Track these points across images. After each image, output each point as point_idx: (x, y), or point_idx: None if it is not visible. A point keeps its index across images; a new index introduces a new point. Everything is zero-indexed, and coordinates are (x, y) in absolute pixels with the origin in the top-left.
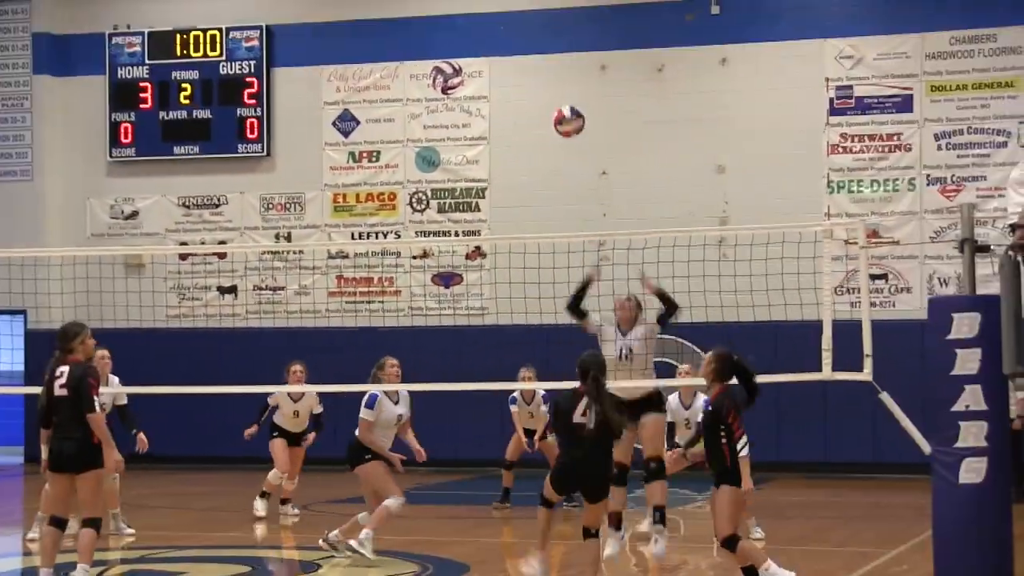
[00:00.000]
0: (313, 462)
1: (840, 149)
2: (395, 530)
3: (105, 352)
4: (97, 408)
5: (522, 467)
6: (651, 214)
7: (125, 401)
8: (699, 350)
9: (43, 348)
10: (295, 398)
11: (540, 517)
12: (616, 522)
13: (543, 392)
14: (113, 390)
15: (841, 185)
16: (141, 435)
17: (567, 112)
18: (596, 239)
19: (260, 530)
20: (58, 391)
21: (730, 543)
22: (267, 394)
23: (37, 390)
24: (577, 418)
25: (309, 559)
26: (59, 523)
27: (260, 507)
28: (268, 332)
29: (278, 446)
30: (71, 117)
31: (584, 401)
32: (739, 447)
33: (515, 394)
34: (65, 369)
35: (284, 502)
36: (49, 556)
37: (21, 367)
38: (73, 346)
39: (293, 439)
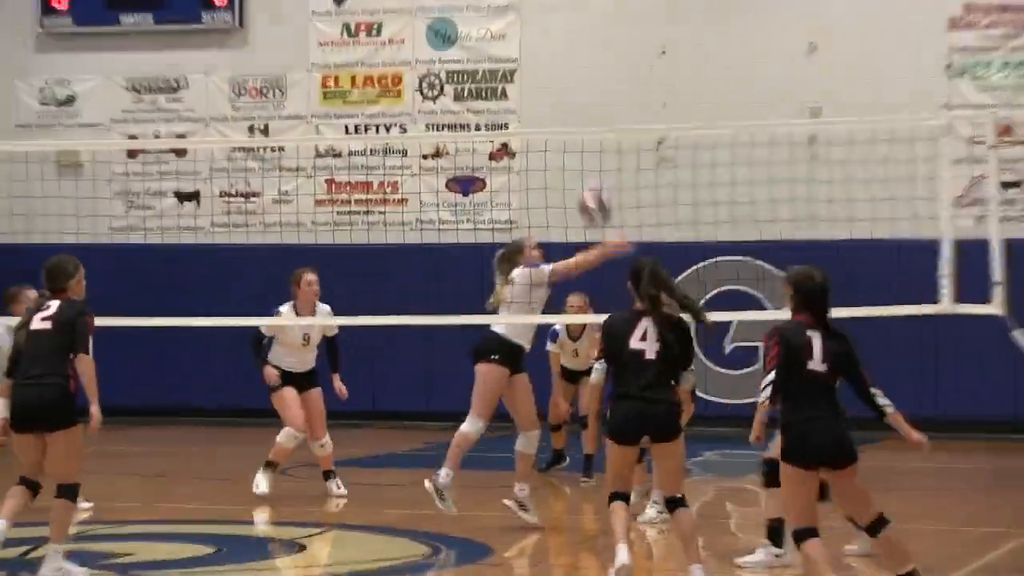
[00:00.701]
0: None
1: (964, 24)
2: (403, 503)
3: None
4: (90, 351)
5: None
6: (723, 103)
7: None
8: (779, 271)
9: None
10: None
11: (616, 514)
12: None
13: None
14: None
15: (964, 69)
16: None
17: (591, 202)
18: (654, 134)
19: (226, 500)
20: (38, 323)
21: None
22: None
23: None
24: (635, 344)
25: (289, 536)
26: (32, 485)
27: (262, 483)
28: (239, 249)
29: (287, 396)
30: None
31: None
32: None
33: (557, 327)
34: (55, 303)
35: (327, 476)
36: (9, 510)
37: None
38: (68, 286)
39: (303, 381)
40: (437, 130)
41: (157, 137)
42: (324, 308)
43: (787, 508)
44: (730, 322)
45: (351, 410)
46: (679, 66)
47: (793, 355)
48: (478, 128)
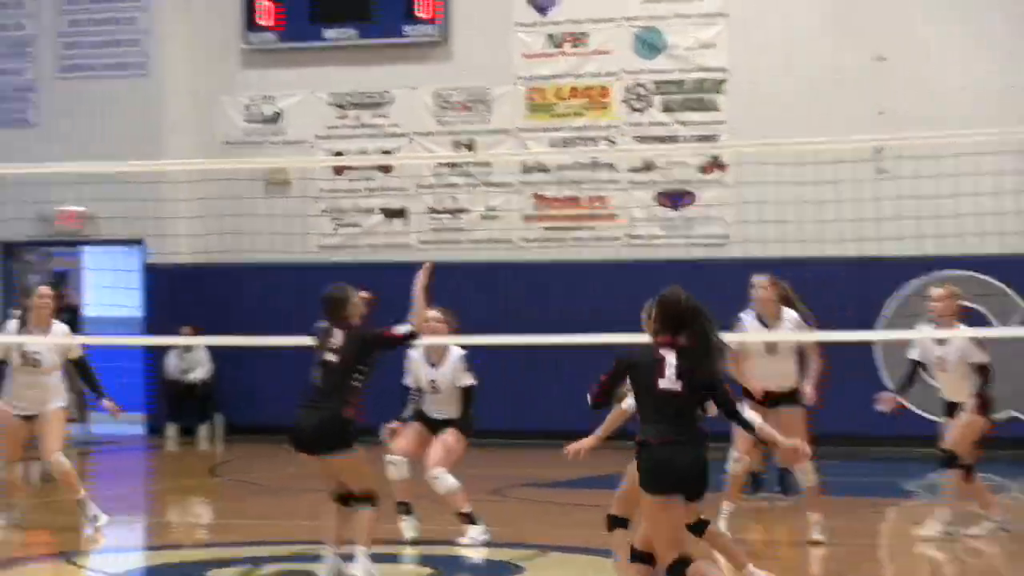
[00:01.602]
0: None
1: None
2: None
3: None
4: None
5: None
6: (944, 112)
7: (78, 355)
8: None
9: (165, 287)
10: (433, 360)
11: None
12: None
13: None
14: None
15: None
16: (107, 402)
17: None
18: (870, 144)
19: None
20: (328, 355)
21: None
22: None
23: (162, 341)
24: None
25: (508, 558)
26: (343, 499)
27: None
28: (446, 267)
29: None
30: None
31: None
32: None
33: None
34: (340, 334)
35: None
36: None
37: (139, 312)
38: (346, 313)
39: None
40: (646, 143)
41: (363, 153)
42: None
43: (653, 538)
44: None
45: (570, 430)
46: (897, 73)
47: (642, 376)
48: (688, 140)
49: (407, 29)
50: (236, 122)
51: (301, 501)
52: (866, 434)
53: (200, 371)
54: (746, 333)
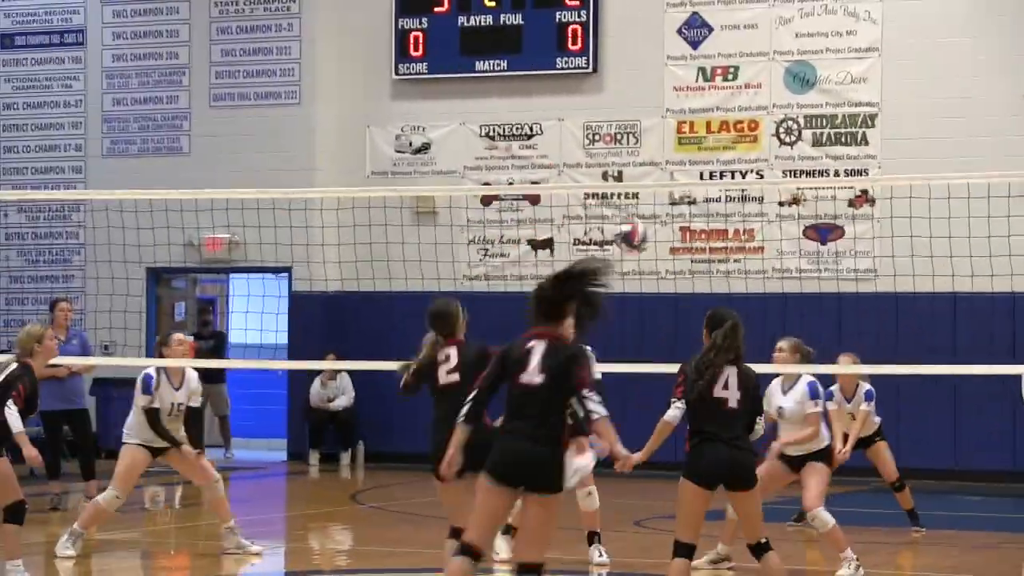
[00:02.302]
0: None
1: None
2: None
3: None
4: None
5: None
6: None
7: (198, 404)
8: None
9: (311, 315)
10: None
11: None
12: None
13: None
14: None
15: None
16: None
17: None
18: (1022, 180)
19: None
20: (446, 378)
21: None
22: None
23: (307, 365)
24: (718, 392)
25: None
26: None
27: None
28: None
29: None
30: (349, 24)
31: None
32: None
33: (832, 387)
34: (452, 351)
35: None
36: None
37: (284, 339)
38: (456, 328)
39: None
40: (795, 176)
41: (511, 184)
42: None
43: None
44: None
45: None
46: None
47: (507, 368)
48: (837, 174)
49: (558, 61)
50: (386, 152)
51: (440, 528)
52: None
53: (343, 399)
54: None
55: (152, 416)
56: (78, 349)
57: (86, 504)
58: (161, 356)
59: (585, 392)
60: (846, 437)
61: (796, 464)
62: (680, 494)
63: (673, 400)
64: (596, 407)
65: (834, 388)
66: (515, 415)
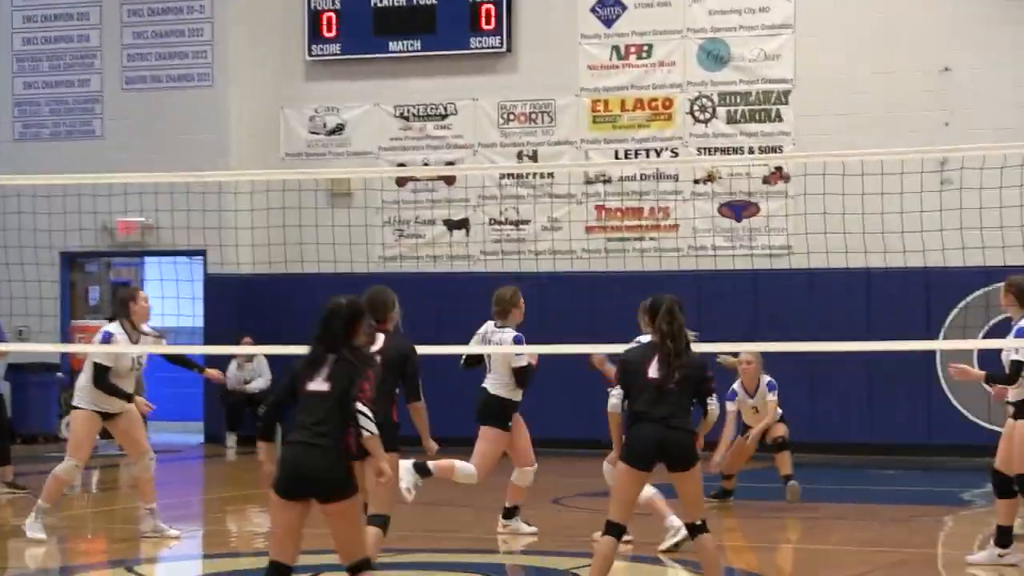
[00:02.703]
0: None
1: None
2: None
3: None
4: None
5: None
6: (1009, 122)
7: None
8: None
9: (226, 298)
10: None
11: (602, 549)
12: None
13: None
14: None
15: None
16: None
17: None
18: (935, 156)
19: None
20: None
21: None
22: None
23: (223, 350)
24: (653, 373)
25: (562, 567)
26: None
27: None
28: (508, 278)
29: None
30: (260, 5)
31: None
32: None
33: (735, 385)
34: (380, 338)
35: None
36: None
37: (200, 322)
38: (386, 315)
39: None
40: (709, 154)
41: (426, 165)
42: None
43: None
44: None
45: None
46: (962, 84)
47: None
48: (751, 151)
49: (471, 41)
50: (300, 133)
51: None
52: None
53: (260, 381)
54: None
55: (100, 372)
56: None
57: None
58: (127, 311)
59: (359, 407)
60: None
61: None
62: (616, 475)
63: (610, 390)
64: (367, 425)
65: (735, 386)
66: (299, 422)
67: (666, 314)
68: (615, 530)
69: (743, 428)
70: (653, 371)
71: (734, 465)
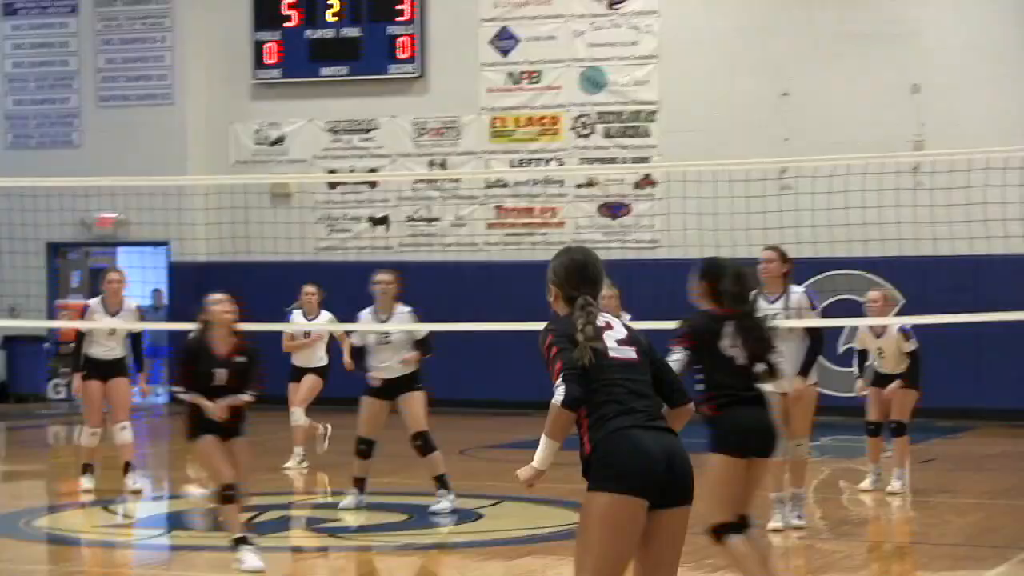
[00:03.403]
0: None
1: None
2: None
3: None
4: None
5: None
6: (838, 138)
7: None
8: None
9: (187, 281)
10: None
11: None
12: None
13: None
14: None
15: None
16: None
17: None
18: (777, 166)
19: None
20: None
21: None
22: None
23: (185, 326)
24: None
25: (470, 506)
26: None
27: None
28: (422, 266)
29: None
30: (213, 37)
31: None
32: None
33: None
34: None
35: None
36: None
37: (165, 301)
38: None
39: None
40: (590, 163)
41: (352, 171)
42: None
43: None
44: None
45: (520, 399)
46: (798, 106)
47: None
48: (624, 161)
49: (390, 67)
50: (247, 144)
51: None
52: None
53: None
54: None
55: (79, 339)
56: None
57: None
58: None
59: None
60: None
61: None
62: (719, 467)
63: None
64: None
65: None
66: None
67: (735, 280)
68: (736, 528)
69: None
70: (730, 344)
71: None
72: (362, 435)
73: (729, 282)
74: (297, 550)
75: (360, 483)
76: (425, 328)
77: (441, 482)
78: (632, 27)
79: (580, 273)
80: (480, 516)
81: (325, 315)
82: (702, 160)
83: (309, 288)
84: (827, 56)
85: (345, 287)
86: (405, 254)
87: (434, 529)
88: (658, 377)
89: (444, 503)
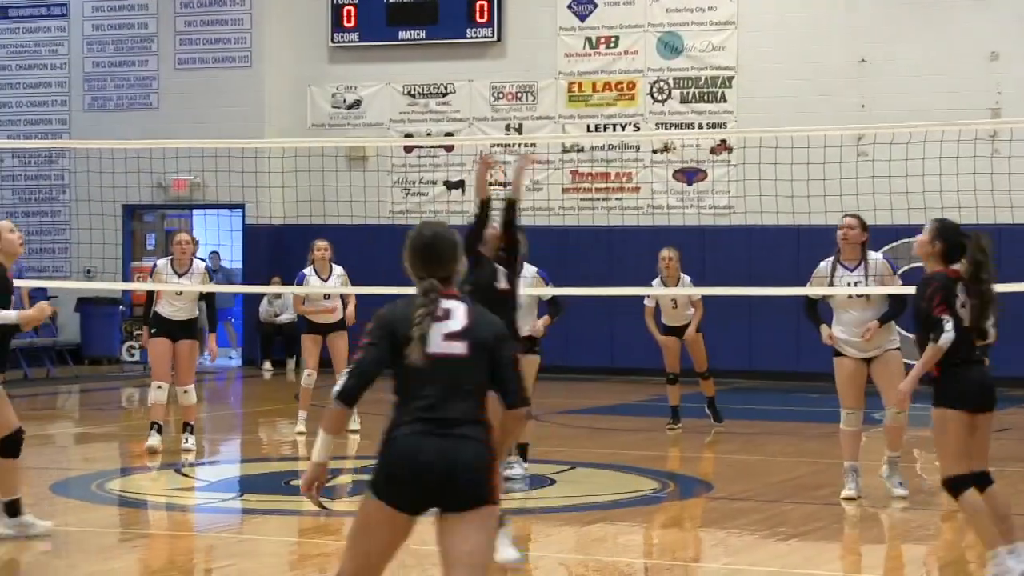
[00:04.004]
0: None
1: None
2: (633, 444)
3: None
4: None
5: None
6: (915, 105)
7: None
8: None
9: (262, 244)
10: (324, 278)
11: (974, 503)
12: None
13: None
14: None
15: None
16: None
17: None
18: (853, 133)
19: None
20: None
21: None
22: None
23: (258, 289)
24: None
25: (543, 472)
26: None
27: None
28: None
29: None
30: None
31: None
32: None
33: (653, 282)
34: None
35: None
36: None
37: (239, 265)
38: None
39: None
40: (666, 128)
41: (429, 135)
42: (338, 270)
43: None
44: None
45: (592, 366)
46: (876, 73)
47: None
48: (701, 127)
49: (468, 31)
50: (323, 107)
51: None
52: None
53: (287, 315)
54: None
55: (148, 297)
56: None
57: None
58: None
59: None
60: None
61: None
62: (946, 426)
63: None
64: None
65: (655, 282)
66: None
67: (980, 249)
68: (968, 481)
69: None
70: (959, 305)
71: None
72: None
73: (976, 250)
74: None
75: (523, 449)
76: (550, 291)
77: (521, 450)
78: None
79: (424, 253)
80: (552, 482)
81: (338, 270)
82: (778, 126)
83: (321, 243)
84: (905, 23)
85: None
86: None
87: (507, 495)
88: (496, 376)
89: (517, 468)
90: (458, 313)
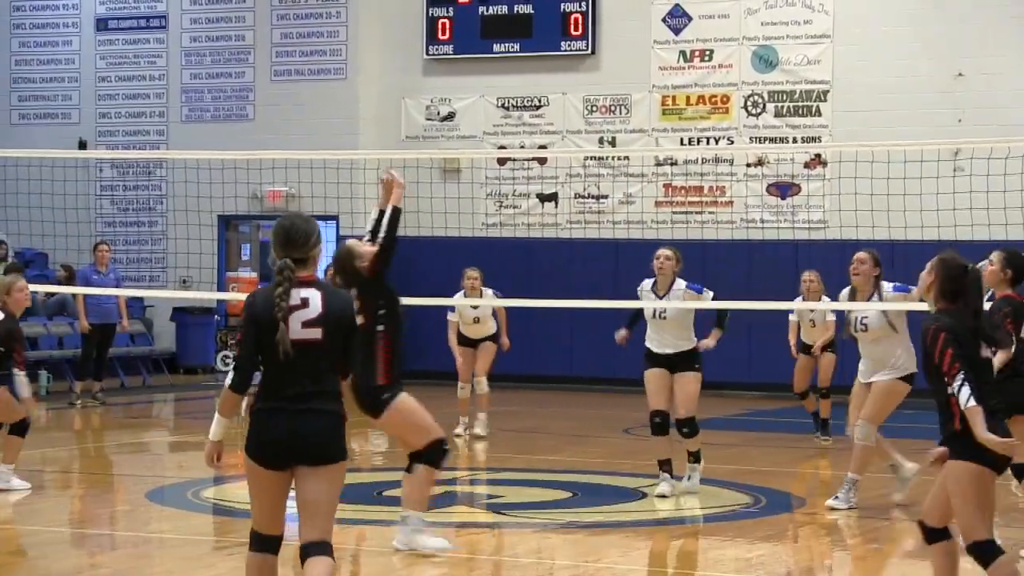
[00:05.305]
0: None
1: None
2: (725, 459)
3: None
4: None
5: None
6: (1012, 120)
7: None
8: None
9: None
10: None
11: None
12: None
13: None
14: None
15: None
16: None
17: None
18: (950, 147)
19: (581, 453)
20: None
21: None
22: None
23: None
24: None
25: (633, 485)
26: None
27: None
28: (589, 243)
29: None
30: (387, 12)
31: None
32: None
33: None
34: None
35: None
36: None
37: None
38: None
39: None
40: (760, 142)
41: (522, 147)
42: (488, 292)
43: None
44: None
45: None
46: (973, 87)
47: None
48: (795, 140)
49: (562, 44)
50: (417, 119)
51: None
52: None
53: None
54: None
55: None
56: (113, 281)
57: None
58: None
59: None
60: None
61: None
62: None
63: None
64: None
65: (797, 300)
66: None
67: (978, 288)
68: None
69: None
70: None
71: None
72: (656, 407)
73: None
74: (462, 526)
75: (666, 465)
76: (712, 304)
77: (694, 456)
78: (806, 6)
79: (281, 237)
80: (643, 495)
81: (488, 292)
82: (873, 140)
83: (472, 273)
84: (1002, 37)
85: (512, 263)
86: (573, 231)
87: (597, 508)
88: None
89: (695, 477)
90: (315, 301)
